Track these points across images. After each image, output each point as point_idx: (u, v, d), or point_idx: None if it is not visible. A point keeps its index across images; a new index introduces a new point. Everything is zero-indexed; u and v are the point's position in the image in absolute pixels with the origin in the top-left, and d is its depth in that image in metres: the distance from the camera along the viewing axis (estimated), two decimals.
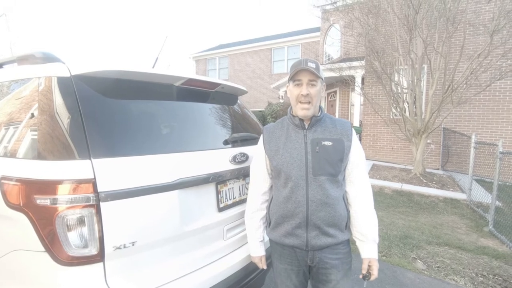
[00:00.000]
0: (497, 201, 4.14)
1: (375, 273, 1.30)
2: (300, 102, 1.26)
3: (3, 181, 1.11)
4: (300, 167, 1.26)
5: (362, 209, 1.32)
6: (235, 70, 18.35)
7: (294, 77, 1.27)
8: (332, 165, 1.25)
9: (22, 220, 1.05)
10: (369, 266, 1.31)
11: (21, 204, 1.05)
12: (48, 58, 1.37)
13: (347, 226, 1.34)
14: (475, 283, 2.66)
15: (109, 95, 1.27)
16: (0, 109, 1.44)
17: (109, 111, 1.23)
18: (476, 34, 6.43)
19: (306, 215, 1.25)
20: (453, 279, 2.70)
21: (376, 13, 6.55)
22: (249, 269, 1.58)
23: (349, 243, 1.39)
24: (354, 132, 1.34)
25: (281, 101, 13.30)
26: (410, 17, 5.62)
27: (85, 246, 1.05)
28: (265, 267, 1.49)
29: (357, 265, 1.44)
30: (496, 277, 2.76)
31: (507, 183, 5.49)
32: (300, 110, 1.27)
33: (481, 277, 2.76)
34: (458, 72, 5.86)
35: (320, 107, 1.34)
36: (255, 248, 1.47)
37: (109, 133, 1.18)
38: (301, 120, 1.30)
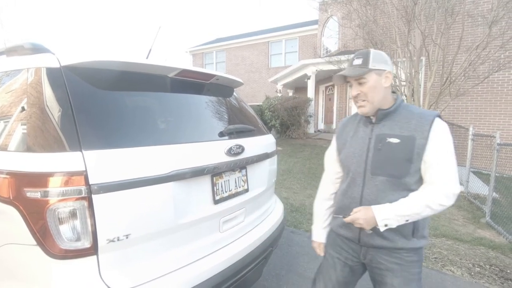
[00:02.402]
0: (494, 193, 4.16)
1: (352, 217, 1.15)
2: (355, 101, 1.22)
3: None
4: (359, 164, 1.22)
5: (417, 192, 1.14)
6: (232, 64, 18.21)
7: (346, 79, 1.24)
8: (395, 165, 1.14)
9: (12, 214, 1.03)
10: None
11: (11, 198, 1.03)
12: (37, 49, 1.34)
13: (417, 234, 1.19)
14: (472, 273, 2.68)
15: (100, 86, 1.24)
16: None
17: (100, 102, 1.21)
18: (475, 25, 6.38)
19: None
20: (450, 270, 2.72)
21: (375, 4, 6.48)
22: (246, 261, 1.57)
23: (420, 255, 1.24)
24: (435, 127, 1.13)
25: (279, 95, 13.24)
26: (408, 8, 5.56)
27: (78, 239, 1.04)
28: (321, 254, 1.45)
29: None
30: (493, 268, 2.78)
31: (504, 175, 5.51)
32: (358, 108, 1.23)
33: (478, 267, 2.78)
34: (456, 64, 5.83)
35: (396, 98, 1.22)
36: (317, 234, 1.46)
37: (100, 124, 1.15)
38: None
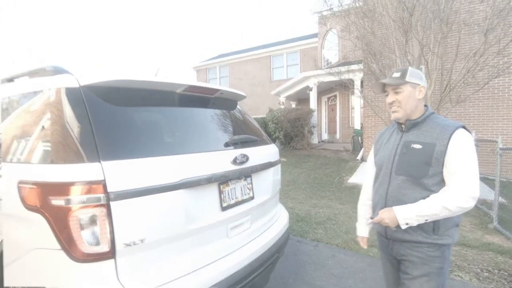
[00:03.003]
0: (501, 198, 4.13)
1: (377, 218, 1.32)
2: (390, 107, 1.41)
3: (20, 185, 1.19)
4: (387, 166, 1.41)
5: (437, 194, 1.25)
6: (235, 78, 18.55)
7: (384, 89, 1.43)
8: (414, 167, 1.30)
9: (39, 221, 1.12)
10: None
11: (38, 206, 1.13)
12: (57, 71, 1.47)
13: (438, 232, 1.30)
14: (480, 278, 2.67)
15: (116, 102, 1.35)
16: (15, 119, 1.53)
17: (116, 117, 1.32)
18: (471, 33, 6.50)
19: (384, 207, 1.36)
20: (458, 276, 2.71)
21: (372, 16, 6.65)
22: (254, 266, 1.63)
23: (443, 251, 1.33)
24: (456, 136, 1.26)
25: (282, 107, 13.40)
26: (404, 20, 5.71)
27: (97, 244, 1.12)
28: (365, 247, 1.62)
29: None
30: (501, 272, 2.77)
31: (511, 180, 5.47)
32: (392, 114, 1.41)
33: (486, 272, 2.77)
34: (455, 72, 5.91)
35: (426, 110, 1.38)
36: (360, 229, 1.63)
37: (117, 137, 1.26)
38: (400, 123, 1.43)
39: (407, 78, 1.34)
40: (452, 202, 1.21)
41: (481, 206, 4.73)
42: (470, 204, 1.21)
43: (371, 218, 1.37)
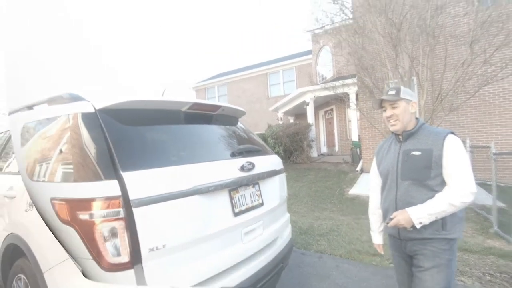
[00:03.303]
0: (501, 203, 4.19)
1: (394, 221, 1.44)
2: (388, 121, 1.59)
3: (53, 201, 1.32)
4: (392, 173, 1.57)
5: (441, 193, 1.41)
6: (233, 96, 18.91)
7: (381, 105, 1.61)
8: (417, 171, 1.47)
9: (71, 233, 1.24)
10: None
11: (69, 219, 1.24)
12: (74, 98, 1.61)
13: (446, 228, 1.45)
14: (483, 282, 2.72)
15: (129, 121, 1.50)
16: (38, 143, 1.66)
17: (131, 134, 1.47)
18: (458, 45, 6.77)
19: (396, 211, 1.49)
20: (461, 280, 2.76)
21: (362, 33, 6.95)
22: (264, 272, 1.73)
23: (451, 245, 1.48)
24: (448, 141, 1.45)
25: (280, 122, 13.60)
26: (393, 35, 5.99)
27: (119, 254, 1.22)
28: (382, 253, 1.78)
29: None
30: (503, 275, 2.82)
31: (509, 185, 5.55)
32: (390, 127, 1.59)
33: (488, 276, 2.82)
34: (446, 81, 6.13)
35: (418, 122, 1.56)
36: (374, 237, 1.80)
37: (134, 150, 1.41)
38: (397, 134, 1.60)
39: (402, 95, 1.54)
40: (456, 198, 1.38)
41: (481, 211, 4.79)
42: (471, 198, 1.40)
43: (387, 223, 1.50)
